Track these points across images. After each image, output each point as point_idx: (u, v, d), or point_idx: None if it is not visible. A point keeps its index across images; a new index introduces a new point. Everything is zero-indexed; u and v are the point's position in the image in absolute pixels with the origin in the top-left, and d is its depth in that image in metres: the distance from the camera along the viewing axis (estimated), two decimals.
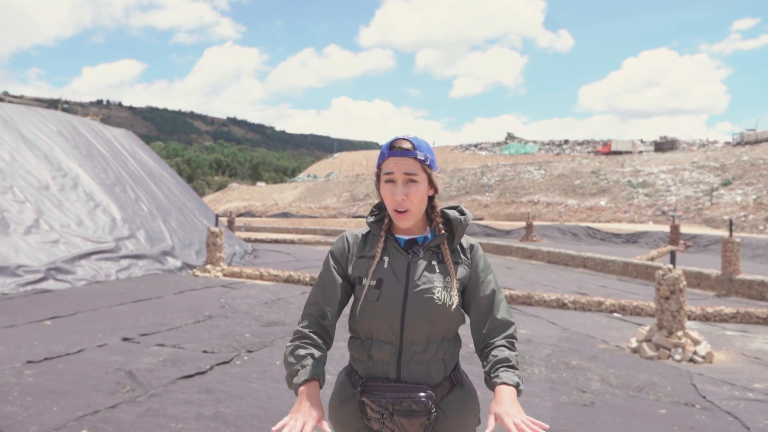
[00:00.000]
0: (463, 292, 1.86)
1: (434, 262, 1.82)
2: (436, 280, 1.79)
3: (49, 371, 5.13)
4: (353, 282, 1.87)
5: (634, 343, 7.31)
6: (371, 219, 1.91)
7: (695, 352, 6.90)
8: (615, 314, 10.16)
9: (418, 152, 1.78)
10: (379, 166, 1.84)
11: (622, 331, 8.51)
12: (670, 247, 23.88)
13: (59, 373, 5.09)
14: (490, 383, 1.72)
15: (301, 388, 1.70)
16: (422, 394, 1.71)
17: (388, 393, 1.72)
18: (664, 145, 69.91)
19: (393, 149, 1.79)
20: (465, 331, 1.91)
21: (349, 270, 1.87)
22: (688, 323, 8.17)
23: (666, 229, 29.88)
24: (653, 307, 8.47)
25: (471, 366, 5.89)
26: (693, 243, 26.61)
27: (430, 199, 1.87)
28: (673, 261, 7.48)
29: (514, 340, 1.83)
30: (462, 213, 1.89)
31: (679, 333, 7.09)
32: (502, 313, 1.85)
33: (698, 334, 7.27)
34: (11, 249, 10.80)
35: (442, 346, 1.81)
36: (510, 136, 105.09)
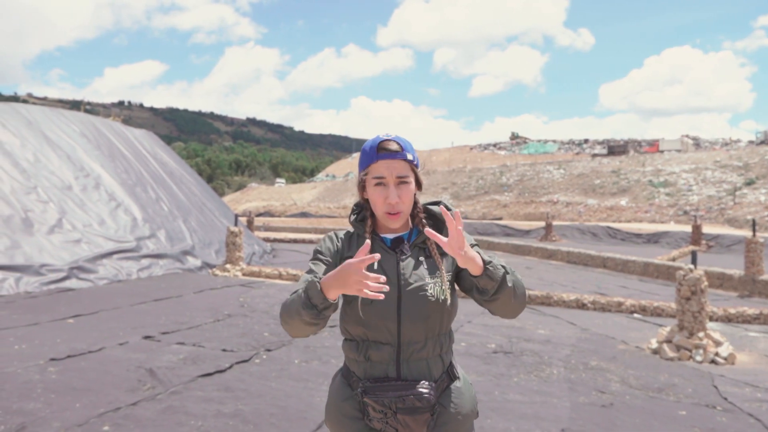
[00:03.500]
0: (452, 281, 1.83)
1: (422, 258, 1.81)
2: (427, 277, 1.77)
3: (72, 368, 5.21)
4: None
5: (654, 344, 7.24)
6: (354, 219, 1.89)
7: (717, 354, 6.82)
8: (635, 315, 10.07)
9: (407, 153, 1.77)
10: (365, 169, 1.80)
11: (643, 332, 8.43)
12: (691, 248, 23.58)
13: (81, 370, 5.17)
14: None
15: (323, 281, 1.59)
16: (425, 390, 1.71)
17: (390, 392, 1.71)
18: (616, 149, 69.72)
19: (381, 152, 1.75)
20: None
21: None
22: (709, 324, 8.07)
23: (688, 229, 29.48)
24: (674, 308, 8.37)
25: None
26: (715, 243, 26.24)
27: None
28: (694, 261, 7.39)
29: (513, 271, 1.74)
30: (446, 209, 1.85)
31: (701, 334, 7.00)
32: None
33: (720, 335, 7.18)
34: (35, 248, 10.98)
35: (439, 341, 1.80)
36: (514, 136, 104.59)
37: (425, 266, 1.80)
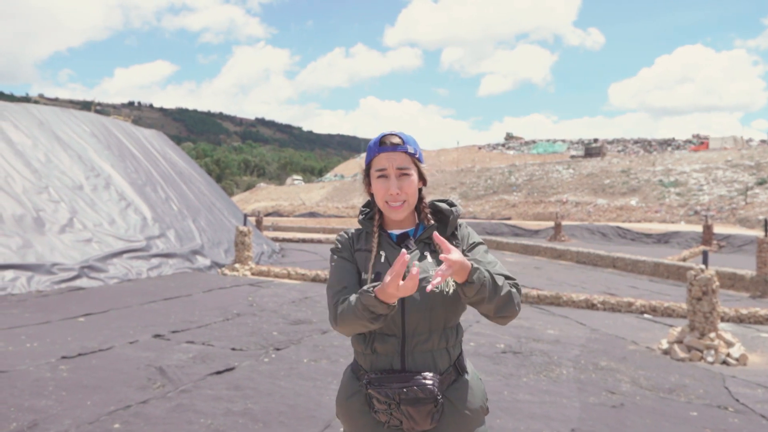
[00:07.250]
0: None
1: (426, 253, 1.85)
2: (431, 270, 1.80)
3: (83, 366, 5.24)
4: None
5: (665, 345, 7.19)
6: (362, 217, 1.95)
7: (728, 354, 6.77)
8: (645, 315, 10.01)
9: (408, 146, 1.83)
10: (368, 164, 1.87)
11: (653, 333, 8.38)
12: (702, 248, 23.42)
13: (92, 368, 5.20)
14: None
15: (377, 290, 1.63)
16: (428, 381, 1.72)
17: (395, 383, 1.73)
18: (592, 151, 69.98)
19: (383, 145, 1.83)
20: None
21: (354, 260, 1.90)
22: (721, 325, 8.01)
23: (699, 229, 29.30)
24: (685, 309, 8.32)
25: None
26: (726, 243, 26.08)
27: (419, 191, 1.90)
28: (705, 261, 7.34)
29: (513, 281, 1.79)
30: (452, 205, 1.93)
31: (712, 334, 6.95)
32: (500, 270, 1.81)
33: (732, 336, 7.13)
34: (47, 248, 11.05)
35: (445, 334, 1.82)
36: (509, 136, 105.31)
37: (430, 260, 1.84)
